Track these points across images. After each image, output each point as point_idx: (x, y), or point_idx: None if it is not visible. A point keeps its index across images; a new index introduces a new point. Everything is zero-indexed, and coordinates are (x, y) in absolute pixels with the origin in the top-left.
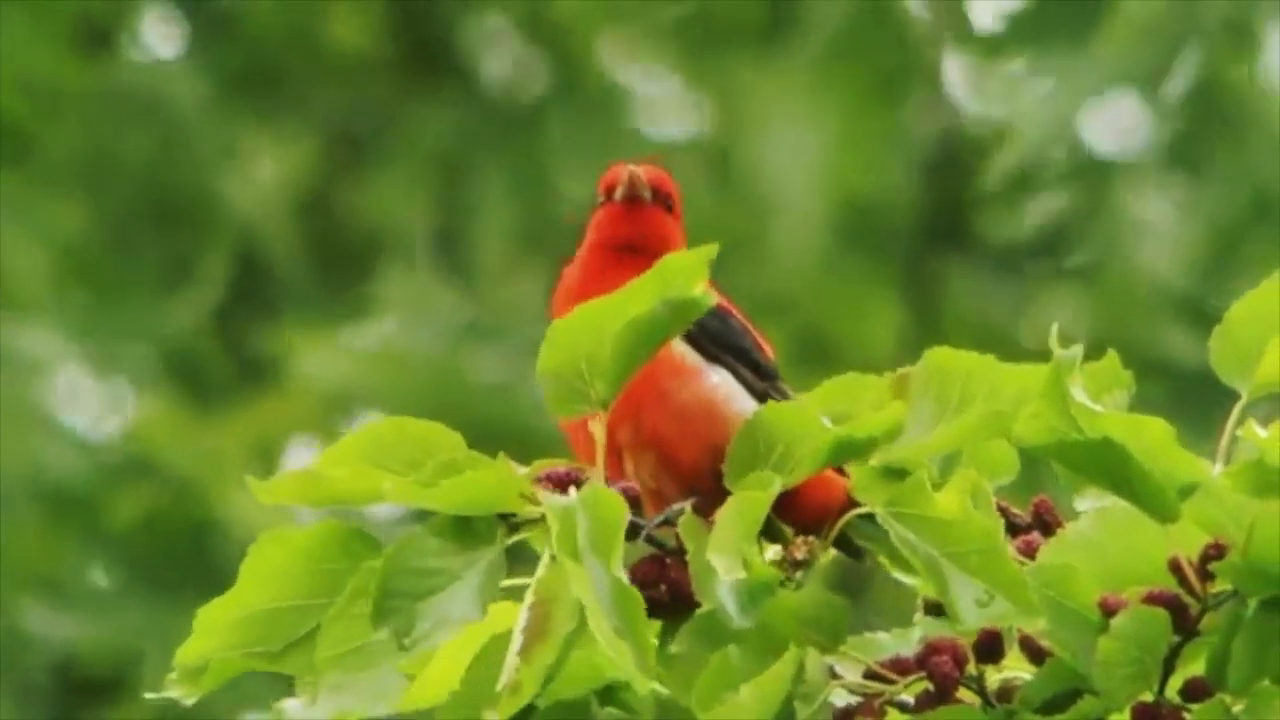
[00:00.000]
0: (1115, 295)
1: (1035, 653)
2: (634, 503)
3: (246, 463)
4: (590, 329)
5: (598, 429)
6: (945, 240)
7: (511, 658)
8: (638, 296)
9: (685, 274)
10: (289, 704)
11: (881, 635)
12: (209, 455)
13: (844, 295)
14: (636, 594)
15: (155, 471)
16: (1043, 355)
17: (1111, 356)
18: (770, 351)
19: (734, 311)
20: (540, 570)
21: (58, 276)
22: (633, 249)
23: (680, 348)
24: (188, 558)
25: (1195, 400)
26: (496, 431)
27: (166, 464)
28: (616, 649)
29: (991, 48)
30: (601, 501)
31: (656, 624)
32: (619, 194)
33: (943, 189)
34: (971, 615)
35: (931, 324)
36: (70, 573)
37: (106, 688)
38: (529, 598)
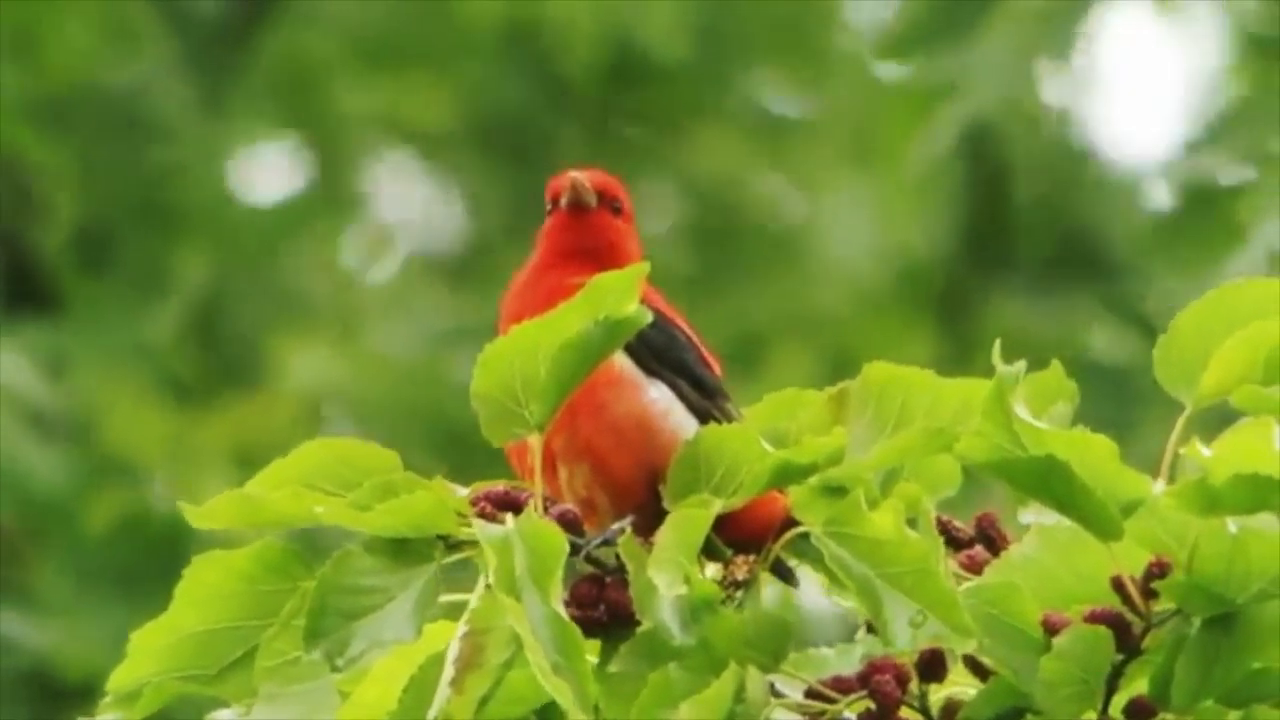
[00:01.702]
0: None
1: (980, 669)
2: (574, 524)
3: (225, 466)
4: (524, 351)
5: (534, 444)
6: (983, 261)
7: (443, 688)
8: (571, 318)
9: (617, 293)
10: (222, 715)
11: (825, 651)
12: (187, 459)
13: (879, 317)
14: (575, 629)
15: (132, 475)
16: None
17: (1055, 367)
18: (717, 368)
19: (681, 326)
20: (474, 599)
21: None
22: (582, 255)
23: (620, 360)
24: (164, 563)
25: None
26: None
27: (143, 468)
28: (555, 686)
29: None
30: (539, 533)
31: (596, 643)
32: (564, 201)
33: (979, 208)
34: (904, 636)
35: (968, 345)
36: (45, 578)
37: (81, 694)
38: (462, 627)
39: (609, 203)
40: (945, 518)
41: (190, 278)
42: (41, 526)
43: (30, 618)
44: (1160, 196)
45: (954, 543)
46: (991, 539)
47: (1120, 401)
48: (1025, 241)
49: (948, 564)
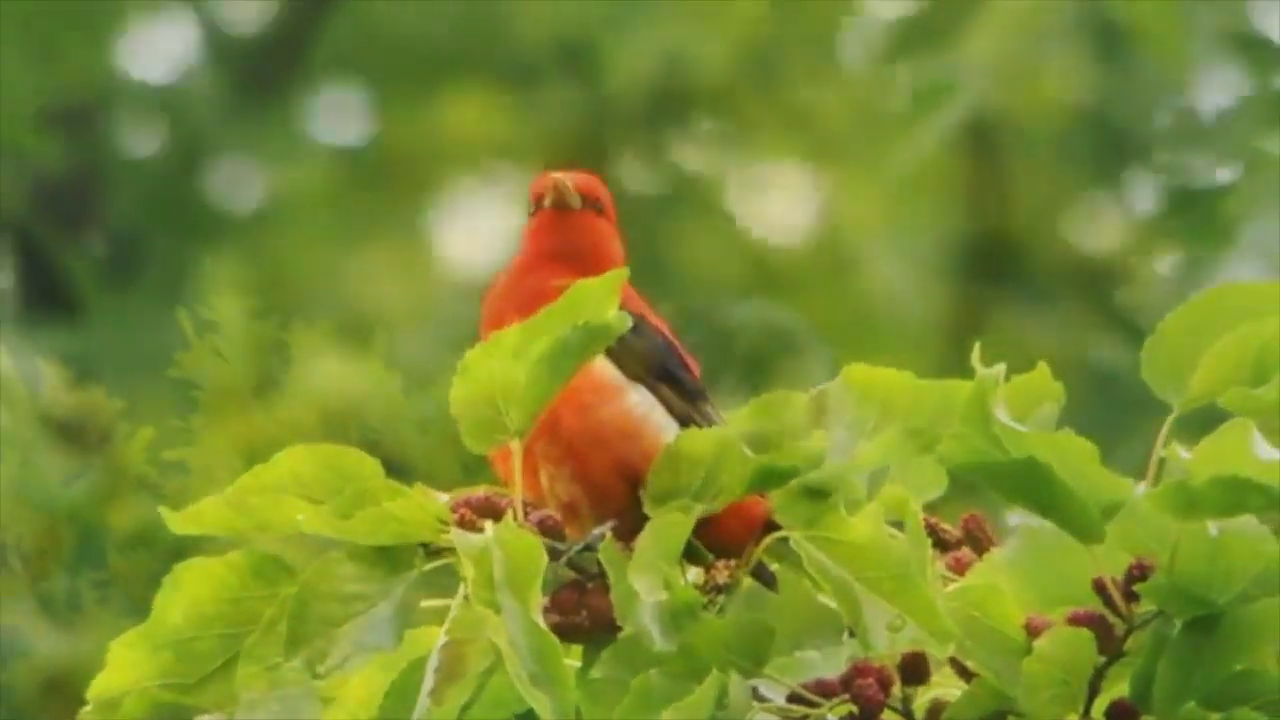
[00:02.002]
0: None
1: (966, 671)
2: (555, 530)
3: (238, 474)
4: (504, 358)
5: (515, 450)
6: (989, 273)
7: (423, 698)
8: (551, 324)
9: (597, 299)
10: None
11: (811, 654)
12: (199, 466)
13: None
14: (553, 639)
15: (150, 485)
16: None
17: (1042, 368)
18: (697, 370)
19: (662, 329)
20: (455, 608)
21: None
22: (565, 256)
23: (601, 365)
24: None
25: None
26: None
27: (161, 477)
28: (534, 697)
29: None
30: (517, 541)
31: (578, 649)
32: (547, 202)
33: (979, 217)
34: (882, 641)
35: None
36: (63, 587)
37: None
38: (443, 636)
39: (592, 203)
40: (933, 519)
41: (210, 284)
42: (59, 535)
43: (49, 627)
44: (1150, 197)
45: (941, 544)
46: (979, 541)
47: (1123, 407)
48: (1026, 250)
49: (936, 566)
